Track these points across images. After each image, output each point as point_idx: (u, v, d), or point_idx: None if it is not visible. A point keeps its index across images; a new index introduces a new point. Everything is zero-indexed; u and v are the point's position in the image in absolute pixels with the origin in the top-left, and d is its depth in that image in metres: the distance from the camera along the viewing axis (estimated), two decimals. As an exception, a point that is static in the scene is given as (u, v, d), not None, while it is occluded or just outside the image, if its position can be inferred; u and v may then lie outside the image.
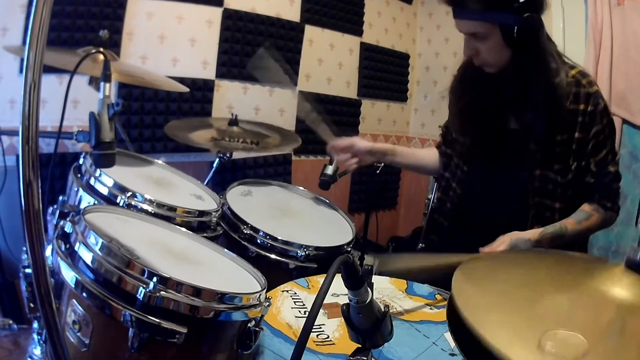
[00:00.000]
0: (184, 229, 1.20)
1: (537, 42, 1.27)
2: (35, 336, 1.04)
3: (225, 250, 1.17)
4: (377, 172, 1.72)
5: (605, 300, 0.65)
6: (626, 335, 0.61)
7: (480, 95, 1.42)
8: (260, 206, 1.67)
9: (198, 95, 2.46)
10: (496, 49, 1.27)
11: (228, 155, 1.92)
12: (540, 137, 1.32)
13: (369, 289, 0.74)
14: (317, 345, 1.01)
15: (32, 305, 1.01)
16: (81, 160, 1.33)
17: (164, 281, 0.83)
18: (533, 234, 1.32)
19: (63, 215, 1.00)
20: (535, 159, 1.35)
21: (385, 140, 3.45)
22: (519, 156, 1.37)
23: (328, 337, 1.05)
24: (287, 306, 1.16)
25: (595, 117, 1.30)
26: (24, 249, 1.08)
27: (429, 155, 1.74)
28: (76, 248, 0.89)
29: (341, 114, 3.13)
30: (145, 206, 1.23)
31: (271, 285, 1.14)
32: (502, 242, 1.29)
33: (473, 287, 0.73)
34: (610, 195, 1.36)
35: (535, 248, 1.30)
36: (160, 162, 1.63)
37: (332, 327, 1.09)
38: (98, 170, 1.24)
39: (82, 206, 1.12)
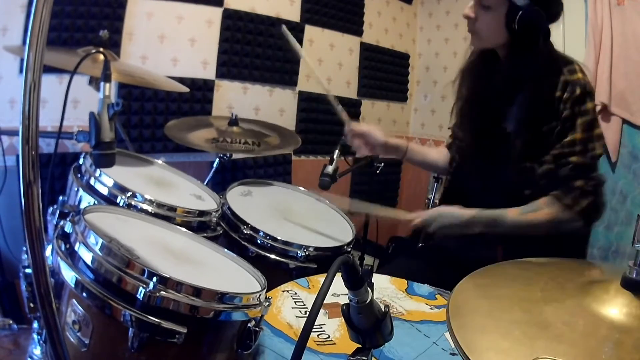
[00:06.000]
0: (184, 229, 1.20)
1: (534, 41, 1.27)
2: (35, 336, 1.04)
3: (225, 250, 1.17)
4: (377, 172, 1.72)
5: (598, 320, 0.66)
6: (619, 347, 0.61)
7: (479, 92, 1.44)
8: (261, 206, 1.67)
9: (198, 95, 2.46)
10: (494, 24, 1.29)
11: (228, 155, 1.92)
12: (529, 132, 1.31)
13: (369, 289, 0.74)
14: (317, 345, 1.01)
15: (32, 305, 1.00)
16: (81, 160, 1.33)
17: (164, 281, 0.82)
18: (468, 211, 1.33)
19: (63, 215, 1.00)
20: (524, 151, 1.33)
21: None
22: (512, 151, 1.36)
23: (329, 336, 1.05)
24: (288, 306, 1.16)
25: (566, 104, 1.25)
26: (24, 249, 1.08)
27: (439, 155, 1.76)
28: (76, 248, 0.89)
29: (341, 114, 3.13)
30: (145, 206, 1.23)
31: (271, 285, 1.14)
32: (430, 210, 1.33)
33: (469, 306, 0.74)
34: (569, 191, 1.26)
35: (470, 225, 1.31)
36: (160, 162, 1.63)
37: (332, 327, 1.09)
38: (98, 170, 1.24)
39: (82, 206, 1.12)
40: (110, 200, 1.23)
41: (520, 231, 1.31)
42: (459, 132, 1.60)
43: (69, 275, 0.86)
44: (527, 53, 1.28)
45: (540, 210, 1.28)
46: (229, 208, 1.51)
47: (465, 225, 1.32)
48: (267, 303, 0.97)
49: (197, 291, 0.84)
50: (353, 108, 3.21)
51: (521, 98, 1.32)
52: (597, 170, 1.30)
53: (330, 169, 1.61)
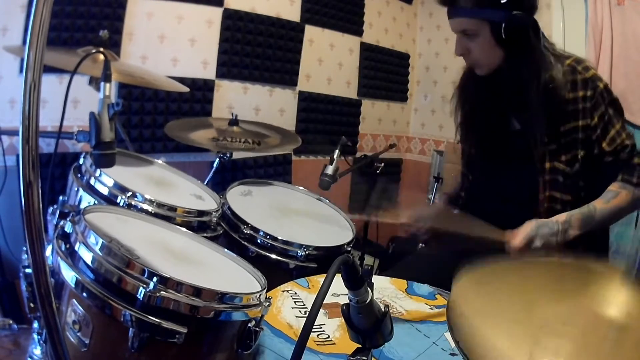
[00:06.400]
0: (184, 229, 1.20)
1: (527, 42, 1.27)
2: (35, 336, 1.04)
3: (226, 250, 1.17)
4: (377, 172, 1.72)
5: (600, 312, 0.66)
6: (619, 347, 0.61)
7: (481, 102, 1.44)
8: (261, 206, 1.67)
9: (198, 95, 2.46)
10: (486, 47, 1.30)
11: (228, 155, 1.92)
12: (543, 133, 1.32)
13: (369, 289, 0.74)
14: (317, 345, 1.01)
15: (32, 305, 1.00)
16: (81, 160, 1.33)
17: (164, 281, 0.83)
18: (559, 217, 1.28)
19: (63, 215, 1.00)
20: (543, 153, 1.33)
21: (385, 140, 3.45)
22: (525, 155, 1.36)
23: (328, 336, 1.05)
24: (288, 306, 1.16)
25: (595, 100, 1.29)
26: (24, 249, 1.08)
27: None
28: (76, 248, 0.89)
29: (341, 114, 3.13)
30: (146, 206, 1.23)
31: (271, 285, 1.14)
32: (527, 225, 1.26)
33: (471, 294, 0.73)
34: (633, 170, 1.30)
35: (564, 233, 1.26)
36: (160, 162, 1.63)
37: (332, 327, 1.09)
38: (98, 170, 1.24)
39: (82, 206, 1.12)
40: (110, 200, 1.23)
41: (610, 221, 1.33)
42: (465, 146, 1.58)
43: (69, 275, 0.86)
44: (525, 53, 1.28)
45: (618, 195, 1.30)
46: (229, 208, 1.51)
47: (564, 231, 1.27)
48: (267, 303, 0.97)
49: (197, 291, 0.85)
50: (353, 108, 3.22)
51: (531, 100, 1.31)
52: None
53: (330, 169, 1.61)
